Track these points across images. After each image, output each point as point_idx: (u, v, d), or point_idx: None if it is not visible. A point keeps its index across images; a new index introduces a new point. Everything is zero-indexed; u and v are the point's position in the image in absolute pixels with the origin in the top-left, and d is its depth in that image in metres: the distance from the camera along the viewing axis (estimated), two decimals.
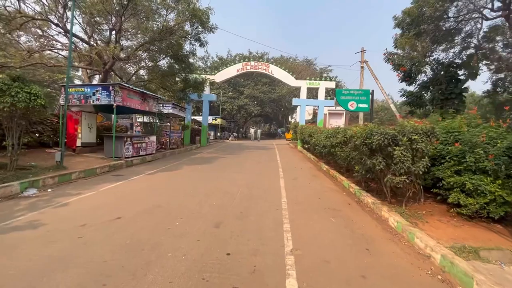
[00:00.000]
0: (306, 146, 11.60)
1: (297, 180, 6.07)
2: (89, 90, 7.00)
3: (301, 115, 16.89)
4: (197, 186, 5.37)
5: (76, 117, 7.83)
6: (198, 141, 16.34)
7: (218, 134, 26.48)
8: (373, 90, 7.20)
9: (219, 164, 7.93)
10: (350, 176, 5.97)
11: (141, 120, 14.82)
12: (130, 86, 8.01)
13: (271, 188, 5.38)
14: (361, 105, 7.12)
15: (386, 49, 9.95)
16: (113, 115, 7.23)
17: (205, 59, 33.78)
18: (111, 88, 7.04)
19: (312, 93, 27.69)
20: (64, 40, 11.36)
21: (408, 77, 9.46)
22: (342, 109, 21.62)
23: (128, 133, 11.41)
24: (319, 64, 79.80)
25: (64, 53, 10.01)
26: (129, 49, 10.38)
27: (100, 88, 7.08)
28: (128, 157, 7.82)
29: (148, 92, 9.03)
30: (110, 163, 6.81)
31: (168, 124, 12.79)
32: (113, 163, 6.81)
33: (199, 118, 22.34)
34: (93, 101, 7.04)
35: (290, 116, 51.42)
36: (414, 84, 9.82)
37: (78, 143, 7.90)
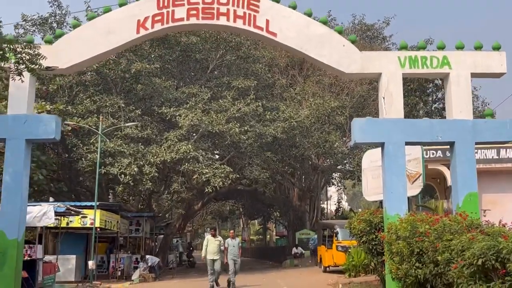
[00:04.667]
0: None
1: None
2: None
3: (386, 182, 12.95)
4: None
5: None
6: None
7: (90, 264, 22.24)
8: None
9: None
10: None
11: None
12: None
13: None
14: None
15: None
16: None
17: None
18: None
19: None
20: None
21: None
22: None
23: None
24: (397, 36, 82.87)
25: None
26: None
27: None
28: None
29: None
30: None
31: None
32: None
33: None
34: None
35: (326, 193, 48.80)
36: None
37: None
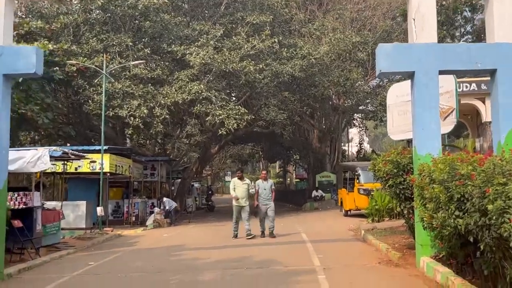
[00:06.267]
0: None
1: None
2: None
3: (416, 118, 11.40)
4: None
5: None
6: None
7: (99, 210, 21.26)
8: None
9: None
10: None
11: None
12: None
13: None
14: None
15: None
16: None
17: None
18: None
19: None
20: None
21: None
22: None
23: None
24: None
25: None
26: None
27: None
28: None
29: None
30: None
31: None
32: None
33: None
34: None
35: (347, 134, 47.73)
36: None
37: None
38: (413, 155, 11.13)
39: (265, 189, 16.61)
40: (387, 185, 11.94)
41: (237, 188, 16.57)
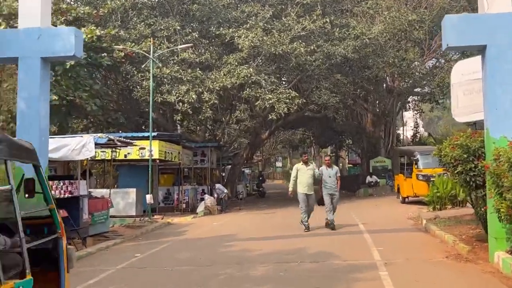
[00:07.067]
0: None
1: None
2: None
3: (488, 96, 10.65)
4: None
5: None
6: None
7: (148, 198, 20.89)
8: None
9: None
10: None
11: None
12: None
13: None
14: None
15: None
16: None
17: None
18: None
19: None
20: None
21: None
22: None
23: None
24: None
25: None
26: None
27: None
28: None
29: None
30: None
31: None
32: None
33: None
34: None
35: (402, 118, 46.28)
36: None
37: None
38: (485, 138, 10.17)
39: (330, 177, 15.09)
40: (455, 171, 10.91)
41: (301, 175, 14.93)
